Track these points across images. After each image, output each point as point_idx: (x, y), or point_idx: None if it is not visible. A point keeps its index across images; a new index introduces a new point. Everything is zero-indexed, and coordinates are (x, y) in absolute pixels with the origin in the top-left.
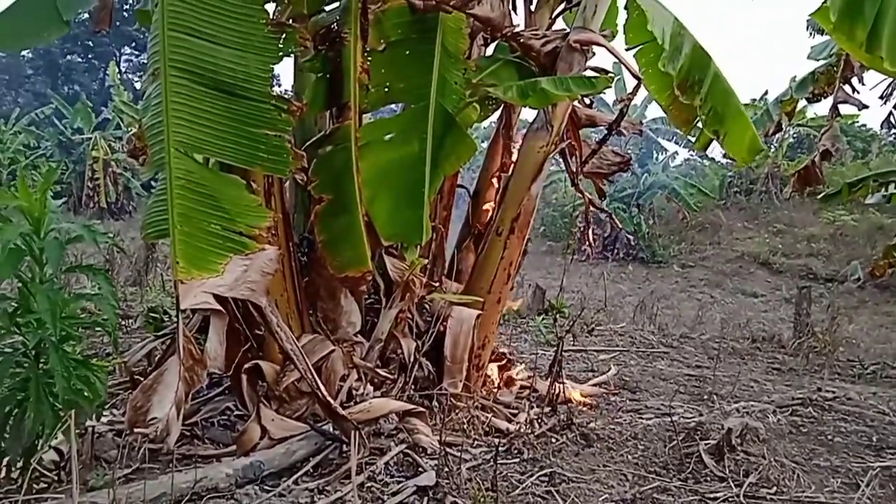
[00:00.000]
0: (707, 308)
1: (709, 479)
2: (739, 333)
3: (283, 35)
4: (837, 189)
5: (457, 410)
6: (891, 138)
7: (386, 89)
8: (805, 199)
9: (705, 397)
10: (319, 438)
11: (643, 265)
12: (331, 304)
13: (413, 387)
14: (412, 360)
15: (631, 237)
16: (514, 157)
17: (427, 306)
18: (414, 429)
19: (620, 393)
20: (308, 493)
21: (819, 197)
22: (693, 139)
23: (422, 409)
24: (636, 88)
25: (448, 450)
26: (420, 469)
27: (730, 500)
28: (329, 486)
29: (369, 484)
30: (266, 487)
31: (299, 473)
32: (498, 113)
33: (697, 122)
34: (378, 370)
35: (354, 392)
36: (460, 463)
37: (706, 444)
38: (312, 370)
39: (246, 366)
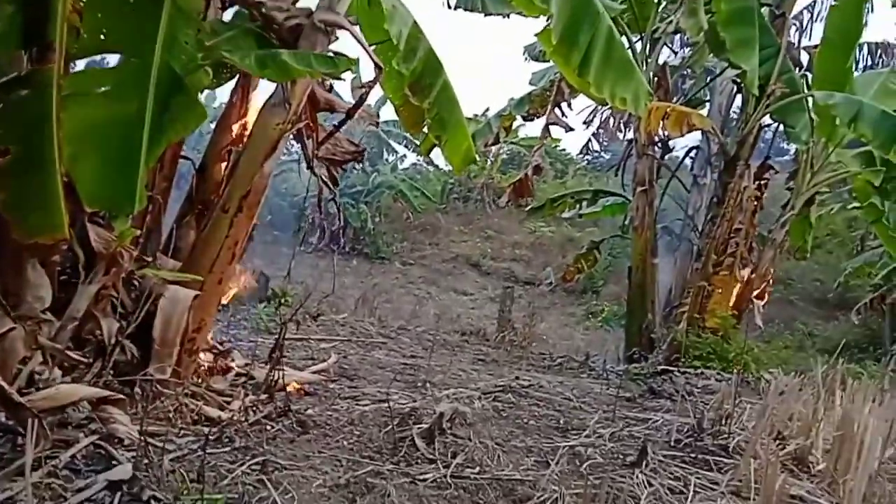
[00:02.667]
0: (423, 303)
1: (420, 461)
2: (451, 327)
3: None
4: (541, 204)
5: (163, 398)
6: (584, 162)
7: (102, 36)
8: (512, 209)
9: (419, 385)
10: None
11: (367, 260)
12: (13, 274)
13: (112, 372)
14: (113, 341)
15: (358, 232)
16: (248, 132)
17: (137, 283)
18: (109, 418)
19: (339, 380)
20: None
21: (526, 209)
22: (419, 143)
23: (121, 396)
24: (377, 77)
25: (149, 440)
26: (114, 462)
27: (438, 480)
28: None
29: (49, 480)
30: None
31: None
32: (234, 83)
33: (425, 126)
34: (69, 352)
35: (38, 376)
36: (163, 454)
37: (419, 429)
38: None
39: None
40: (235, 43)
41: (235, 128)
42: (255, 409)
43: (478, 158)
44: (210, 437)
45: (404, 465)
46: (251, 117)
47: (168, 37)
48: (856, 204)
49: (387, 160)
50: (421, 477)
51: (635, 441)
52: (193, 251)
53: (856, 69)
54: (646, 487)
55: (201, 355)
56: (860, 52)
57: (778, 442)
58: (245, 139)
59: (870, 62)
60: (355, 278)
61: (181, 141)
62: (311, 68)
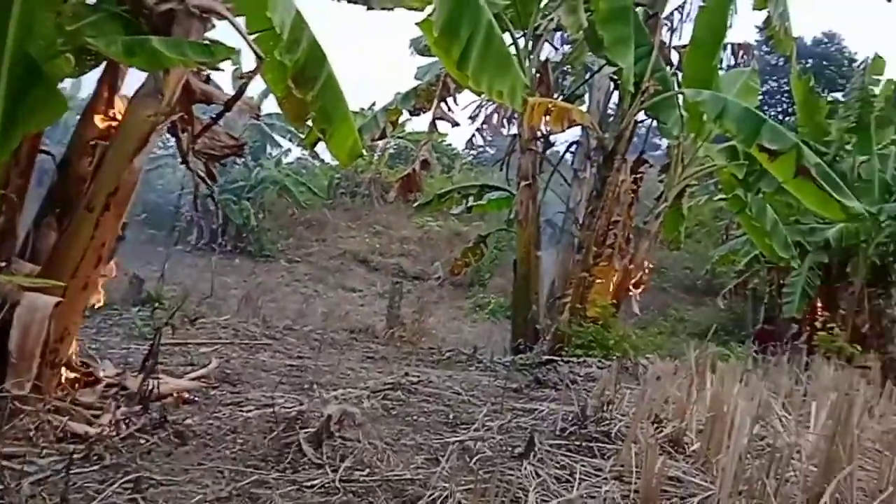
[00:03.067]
0: (310, 301)
1: (307, 466)
2: (339, 325)
3: None
4: (429, 200)
5: (22, 415)
6: (470, 158)
7: None
8: (400, 205)
9: (306, 386)
10: None
11: (251, 258)
12: None
13: None
14: None
15: (240, 229)
16: (117, 125)
17: None
18: None
19: (221, 386)
20: None
21: (414, 205)
22: (304, 136)
23: None
24: (258, 67)
25: (6, 463)
26: None
27: (326, 485)
28: None
29: None
30: None
31: None
32: (101, 72)
33: (309, 118)
34: None
35: None
36: (21, 477)
37: (306, 433)
38: None
39: None
40: (100, 28)
41: (102, 120)
42: (127, 422)
43: (365, 153)
44: (76, 456)
45: (291, 473)
46: (120, 109)
47: (23, 20)
48: (722, 196)
49: (270, 154)
50: (308, 483)
51: (523, 432)
52: (54, 254)
53: (721, 68)
54: (534, 478)
55: (66, 367)
56: (724, 52)
57: (656, 425)
58: (113, 132)
59: (733, 62)
60: (238, 277)
61: (40, 134)
62: (185, 57)
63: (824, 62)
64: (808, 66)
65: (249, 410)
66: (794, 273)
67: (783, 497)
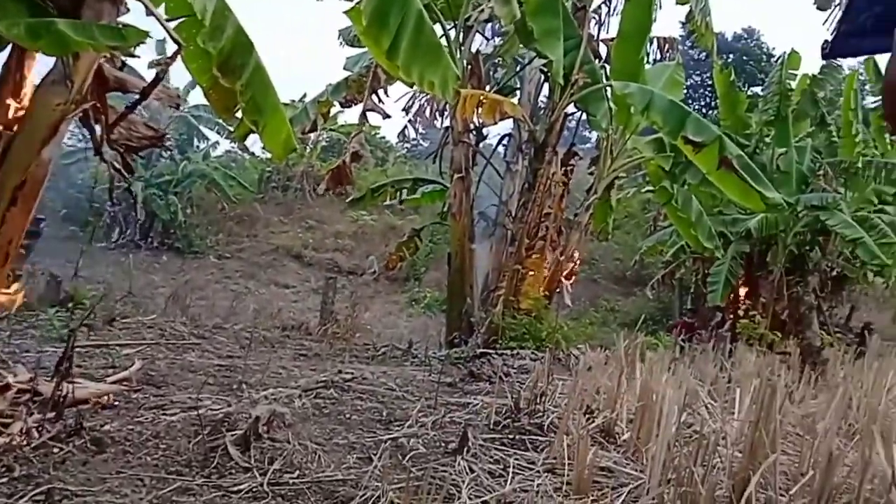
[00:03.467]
0: (241, 299)
1: (234, 471)
2: (271, 322)
3: None
4: (362, 194)
5: None
6: (404, 150)
7: None
8: (334, 199)
9: (235, 387)
10: None
11: (179, 255)
12: None
13: None
14: None
15: (167, 225)
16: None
17: None
18: None
19: (144, 389)
20: None
21: (347, 200)
22: (233, 129)
23: None
24: (176, 53)
25: None
26: None
27: (254, 489)
28: None
29: None
30: None
31: None
32: (5, 56)
33: (238, 110)
34: None
35: None
36: None
37: (233, 436)
38: None
39: None
40: (2, 9)
41: (7, 109)
42: (39, 430)
43: (297, 146)
44: None
45: (216, 478)
46: (28, 97)
47: None
48: (649, 187)
49: (198, 147)
50: (235, 489)
51: (457, 427)
52: None
53: (647, 62)
54: (467, 474)
55: None
56: (650, 45)
57: (587, 416)
58: (19, 122)
59: (659, 56)
60: (166, 275)
61: None
62: (95, 41)
63: (744, 57)
64: (728, 60)
65: (174, 414)
66: (718, 263)
67: (710, 484)
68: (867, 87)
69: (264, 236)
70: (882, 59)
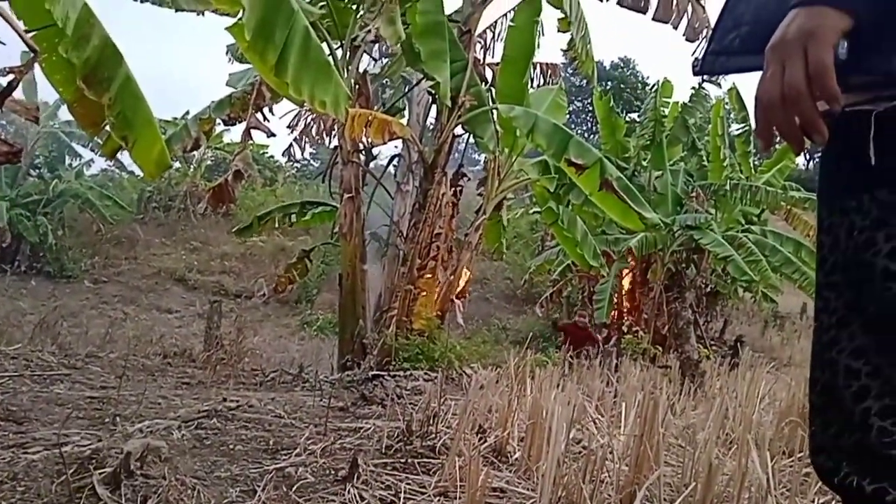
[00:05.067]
0: (119, 325)
1: None
2: (151, 350)
3: None
4: (249, 223)
5: None
6: (294, 170)
7: None
8: (220, 219)
9: (107, 420)
10: None
11: (49, 280)
12: None
13: None
14: None
15: (36, 248)
16: None
17: None
18: None
19: (2, 426)
20: None
21: (233, 230)
22: (102, 144)
23: None
24: (31, 61)
25: None
26: None
27: None
28: None
29: None
30: None
31: None
32: None
33: (106, 125)
34: None
35: None
36: None
37: (101, 474)
38: None
39: None
40: None
41: None
42: None
43: (180, 164)
44: None
45: None
46: None
47: None
48: (536, 208)
49: (70, 165)
50: None
51: (347, 453)
52: None
53: (531, 86)
54: (358, 502)
55: None
56: (534, 70)
57: (479, 436)
58: None
59: (542, 81)
60: (35, 301)
61: None
62: None
63: (622, 85)
64: (608, 87)
65: (35, 452)
66: (603, 281)
67: (599, 499)
68: (731, 115)
69: (145, 259)
70: (747, 81)
